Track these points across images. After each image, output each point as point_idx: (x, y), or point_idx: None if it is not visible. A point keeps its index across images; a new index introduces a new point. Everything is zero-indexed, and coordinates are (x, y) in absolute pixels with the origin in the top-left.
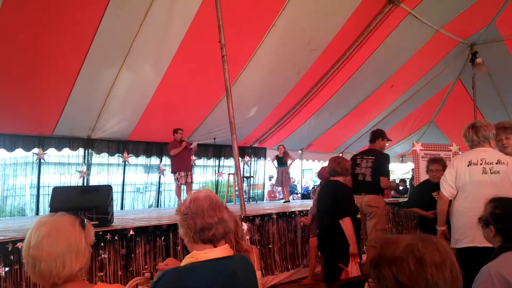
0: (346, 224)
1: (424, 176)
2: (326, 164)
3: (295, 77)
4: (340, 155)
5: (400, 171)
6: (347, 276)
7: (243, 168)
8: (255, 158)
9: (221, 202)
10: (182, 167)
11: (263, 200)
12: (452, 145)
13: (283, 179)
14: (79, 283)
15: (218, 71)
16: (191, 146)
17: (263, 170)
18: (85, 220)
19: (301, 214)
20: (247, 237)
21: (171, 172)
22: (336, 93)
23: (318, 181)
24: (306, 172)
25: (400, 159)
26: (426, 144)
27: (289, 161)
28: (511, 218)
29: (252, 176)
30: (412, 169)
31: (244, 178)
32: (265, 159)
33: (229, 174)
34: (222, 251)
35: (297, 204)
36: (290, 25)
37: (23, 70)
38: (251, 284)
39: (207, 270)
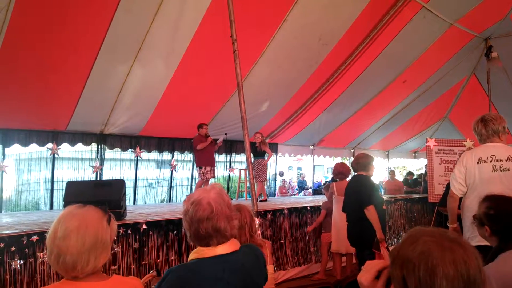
0: (370, 211)
1: (438, 172)
2: (338, 160)
3: (306, 72)
4: (350, 152)
5: (412, 167)
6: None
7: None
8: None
9: (224, 210)
10: (208, 162)
11: (274, 196)
12: (466, 141)
13: (257, 172)
14: (97, 275)
15: (230, 66)
16: (218, 142)
17: (274, 166)
18: (111, 216)
19: (313, 209)
20: (259, 232)
21: (197, 167)
22: (348, 88)
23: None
24: (318, 168)
25: (413, 155)
26: (440, 139)
27: (266, 155)
28: (506, 218)
29: None
30: (426, 165)
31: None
32: (277, 155)
33: (240, 169)
34: (228, 246)
35: (309, 200)
36: (302, 20)
37: (37, 66)
38: (259, 274)
39: (212, 267)
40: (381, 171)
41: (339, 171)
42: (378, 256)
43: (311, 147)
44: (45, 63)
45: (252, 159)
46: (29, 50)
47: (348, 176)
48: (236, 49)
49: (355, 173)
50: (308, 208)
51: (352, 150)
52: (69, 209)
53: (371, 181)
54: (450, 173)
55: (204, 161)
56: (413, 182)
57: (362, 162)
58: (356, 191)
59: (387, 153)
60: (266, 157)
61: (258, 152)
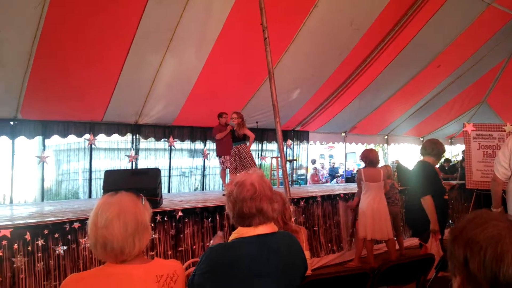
0: (426, 201)
1: (476, 158)
2: (370, 147)
3: (338, 59)
4: (383, 138)
5: (448, 153)
6: (426, 252)
7: (286, 152)
8: (298, 142)
9: (267, 191)
10: (227, 151)
11: (306, 184)
12: (506, 125)
13: (240, 161)
14: (140, 258)
15: (260, 54)
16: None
17: (306, 154)
18: (143, 197)
19: (346, 197)
20: (292, 219)
21: (216, 156)
22: (381, 74)
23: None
24: (350, 155)
25: (449, 140)
26: (478, 124)
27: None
28: None
29: (295, 160)
30: (463, 151)
31: (287, 162)
32: (308, 143)
33: (272, 157)
34: (266, 228)
35: (341, 187)
36: (332, 5)
37: (73, 60)
38: (296, 260)
39: (251, 246)
40: (415, 158)
41: (367, 157)
42: (424, 248)
43: (343, 134)
44: (80, 57)
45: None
46: (65, 44)
47: (377, 162)
48: (267, 37)
49: (420, 159)
50: (341, 195)
51: (386, 137)
52: (103, 199)
53: (432, 170)
54: (489, 159)
55: (223, 150)
56: (450, 169)
57: (428, 148)
58: (416, 177)
59: (421, 139)
60: (248, 142)
61: (237, 137)
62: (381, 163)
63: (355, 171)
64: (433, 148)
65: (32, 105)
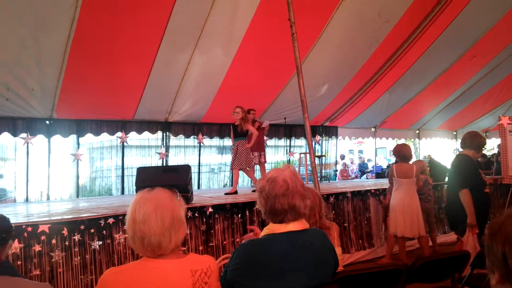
0: (464, 195)
1: None
2: (401, 141)
3: (367, 52)
4: (415, 133)
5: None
6: (461, 247)
7: (315, 147)
8: (326, 137)
9: (299, 188)
10: (255, 147)
11: (335, 179)
12: None
13: (241, 157)
14: (176, 253)
15: (287, 49)
16: (263, 126)
17: (335, 149)
18: (178, 193)
19: (377, 193)
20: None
21: None
22: (412, 67)
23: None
24: (380, 151)
25: (484, 134)
26: None
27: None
28: None
29: (324, 155)
30: (498, 145)
31: (316, 158)
32: (337, 138)
33: (300, 153)
34: (298, 224)
35: (372, 183)
36: None
37: (105, 60)
38: (327, 256)
39: (282, 242)
40: (448, 152)
41: (399, 152)
42: (460, 243)
43: (373, 129)
44: (112, 57)
45: (232, 142)
46: (97, 45)
47: (409, 158)
48: (294, 32)
49: (460, 152)
50: (372, 191)
51: (417, 132)
52: (140, 194)
53: (471, 163)
54: None
55: (252, 147)
56: (485, 164)
57: (468, 141)
58: (455, 171)
59: (455, 133)
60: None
61: (240, 132)
62: (413, 158)
63: (385, 167)
64: (472, 141)
65: (67, 105)
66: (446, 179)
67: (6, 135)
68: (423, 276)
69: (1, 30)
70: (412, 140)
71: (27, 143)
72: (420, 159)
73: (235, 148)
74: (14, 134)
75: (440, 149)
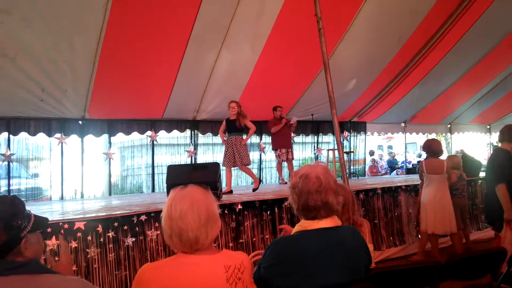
0: (500, 190)
1: None
2: (432, 137)
3: (395, 46)
4: (446, 127)
5: None
6: (499, 243)
7: (343, 144)
8: (355, 133)
9: (332, 184)
10: (283, 144)
11: (364, 176)
12: None
13: (237, 153)
14: (210, 249)
15: (314, 45)
16: (291, 122)
17: (364, 145)
18: (209, 189)
19: (408, 189)
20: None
21: (272, 149)
22: (443, 59)
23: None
24: (410, 146)
25: None
26: None
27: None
28: None
29: (352, 152)
30: None
31: (344, 154)
32: (365, 134)
33: (328, 150)
34: (330, 221)
35: (402, 179)
36: None
37: (135, 61)
38: (360, 253)
39: (315, 239)
40: (482, 147)
41: (429, 147)
42: (497, 238)
43: (403, 124)
44: (141, 57)
45: (221, 137)
46: (126, 46)
47: (440, 153)
48: (321, 27)
49: (497, 146)
50: (403, 187)
51: (449, 126)
52: (175, 192)
53: (509, 157)
54: None
55: (279, 143)
56: None
57: (506, 134)
58: (491, 165)
59: (488, 127)
60: (246, 135)
61: (236, 127)
62: (444, 154)
63: (416, 162)
64: (510, 134)
65: (98, 105)
66: (481, 174)
67: (41, 135)
68: (458, 274)
69: (38, 33)
70: (444, 134)
71: (61, 143)
72: (454, 154)
73: (230, 144)
74: (49, 135)
75: (473, 143)
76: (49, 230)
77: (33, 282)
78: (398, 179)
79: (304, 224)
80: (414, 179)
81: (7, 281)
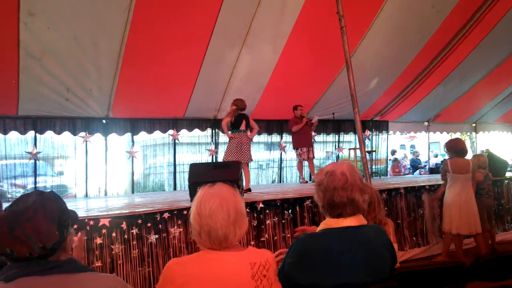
0: None
1: None
2: (456, 135)
3: (418, 44)
4: (471, 126)
5: None
6: None
7: (364, 143)
8: (377, 132)
9: (357, 181)
10: (304, 143)
11: (386, 175)
12: None
13: (241, 150)
14: (236, 246)
15: (336, 43)
16: (312, 121)
17: (386, 144)
18: (237, 187)
19: (432, 189)
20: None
21: (293, 148)
22: (468, 56)
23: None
24: (433, 145)
25: None
26: None
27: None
28: None
29: (374, 151)
30: None
31: (366, 153)
32: (387, 133)
33: (349, 149)
34: (355, 219)
35: (426, 179)
36: None
37: (157, 61)
38: (385, 252)
39: (339, 237)
40: (508, 146)
41: (453, 147)
42: None
43: (426, 123)
44: (163, 57)
45: (230, 132)
46: (149, 46)
47: (465, 153)
48: (343, 25)
49: None
50: (427, 187)
51: (473, 125)
52: (204, 190)
53: None
54: None
55: (300, 142)
56: None
57: None
58: None
59: None
60: (250, 132)
61: (239, 125)
62: (469, 153)
63: (440, 162)
64: None
65: (122, 104)
66: (507, 174)
67: (66, 134)
68: (485, 275)
69: (61, 34)
70: (468, 134)
71: (86, 142)
72: (479, 154)
73: (236, 140)
74: (74, 133)
75: (499, 143)
76: (75, 226)
77: (71, 281)
78: (421, 178)
79: (329, 223)
80: (438, 178)
81: (47, 280)
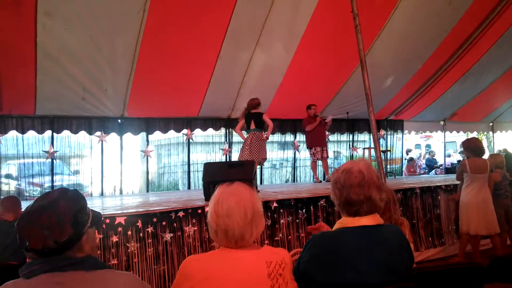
0: None
1: None
2: (473, 135)
3: (434, 42)
4: (488, 126)
5: None
6: None
7: (379, 142)
8: (391, 132)
9: (374, 179)
10: (317, 142)
11: (401, 175)
12: None
13: (255, 150)
14: (252, 244)
15: (350, 42)
16: (326, 120)
17: (401, 144)
18: (254, 186)
19: (448, 189)
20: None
21: (307, 148)
22: (485, 55)
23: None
24: (449, 145)
25: None
26: None
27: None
28: None
29: (389, 150)
30: None
31: (381, 153)
32: (402, 132)
33: (364, 148)
34: (372, 218)
35: (441, 179)
36: None
37: (171, 61)
38: (402, 252)
39: (355, 236)
40: None
41: (471, 147)
42: None
43: (442, 122)
44: (177, 57)
45: (245, 133)
46: (163, 46)
47: (483, 152)
48: (358, 24)
49: None
50: (443, 187)
51: (491, 124)
52: (221, 189)
53: None
54: None
55: (314, 142)
56: None
57: None
58: None
59: None
60: (266, 131)
61: (254, 123)
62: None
63: (456, 161)
64: None
65: (137, 104)
66: None
67: (82, 133)
68: (504, 276)
69: (78, 34)
70: (485, 133)
71: (102, 141)
72: (497, 153)
73: (250, 140)
74: (90, 133)
75: None
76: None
77: (91, 278)
78: (437, 178)
79: (345, 221)
80: (454, 178)
81: (64, 276)
